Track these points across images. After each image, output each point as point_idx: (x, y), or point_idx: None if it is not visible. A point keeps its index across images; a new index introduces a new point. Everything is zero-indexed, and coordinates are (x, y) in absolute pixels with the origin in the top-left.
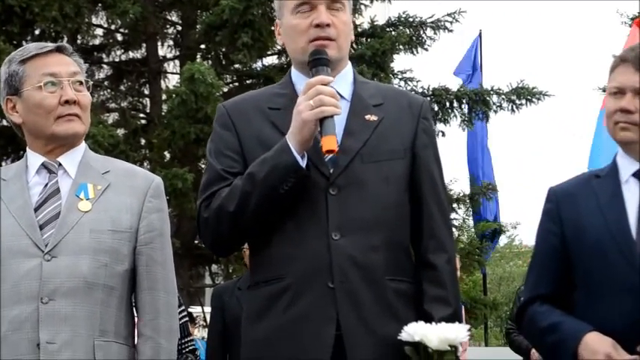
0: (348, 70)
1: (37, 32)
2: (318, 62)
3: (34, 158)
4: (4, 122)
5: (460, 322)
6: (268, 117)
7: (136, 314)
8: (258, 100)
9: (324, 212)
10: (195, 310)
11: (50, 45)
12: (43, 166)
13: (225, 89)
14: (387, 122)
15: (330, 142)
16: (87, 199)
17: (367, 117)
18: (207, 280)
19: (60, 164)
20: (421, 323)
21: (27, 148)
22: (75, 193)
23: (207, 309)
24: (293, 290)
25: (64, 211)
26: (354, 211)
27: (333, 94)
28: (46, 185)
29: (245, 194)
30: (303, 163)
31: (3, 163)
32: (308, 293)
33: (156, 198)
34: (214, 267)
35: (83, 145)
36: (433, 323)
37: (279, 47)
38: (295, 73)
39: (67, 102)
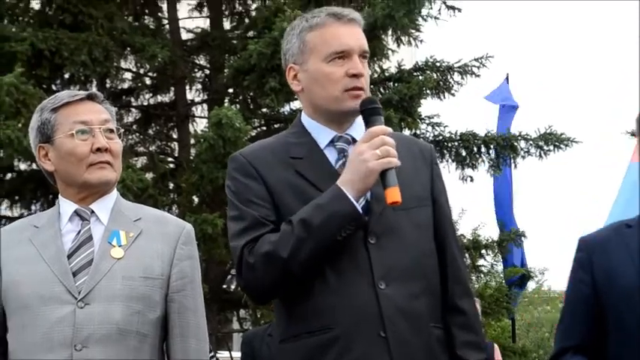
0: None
1: (66, 76)
2: (374, 111)
3: (66, 205)
4: (34, 166)
5: None
6: (293, 166)
7: None
8: (275, 148)
9: (366, 261)
10: (223, 355)
11: (81, 93)
12: (76, 213)
13: (253, 133)
14: (406, 169)
15: (395, 194)
16: (119, 246)
17: None
18: (235, 325)
19: (92, 211)
20: None
21: (59, 196)
22: (107, 240)
23: (235, 354)
24: (343, 340)
25: (97, 258)
26: (394, 260)
27: (394, 145)
28: (79, 232)
29: (299, 240)
30: (361, 211)
31: (32, 207)
32: (359, 343)
33: (187, 245)
34: (242, 312)
35: (115, 193)
36: None
37: None
38: (310, 122)
39: (98, 150)
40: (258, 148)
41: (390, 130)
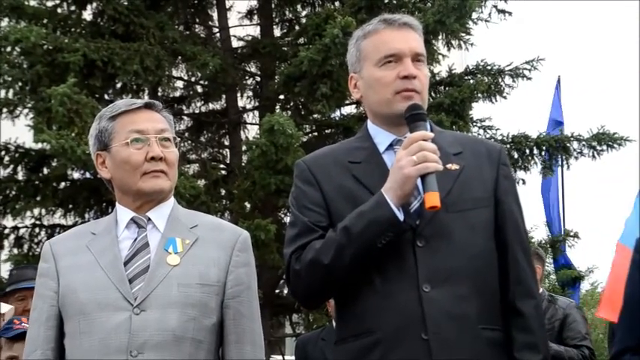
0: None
1: (118, 86)
2: (416, 117)
3: (123, 213)
4: (87, 175)
5: None
6: (350, 170)
7: None
8: (338, 154)
9: (412, 264)
10: (276, 359)
11: (139, 102)
12: (133, 220)
13: (305, 139)
14: (468, 170)
15: (433, 199)
16: (175, 253)
17: (448, 166)
18: (288, 330)
19: (149, 219)
20: None
21: (116, 203)
22: (164, 247)
23: (288, 358)
24: (385, 344)
25: (153, 265)
26: (442, 262)
27: (434, 150)
28: (136, 239)
29: (340, 247)
30: (401, 218)
31: (86, 215)
32: (401, 346)
33: (243, 252)
34: (295, 316)
35: (172, 200)
36: None
37: None
38: (372, 127)
39: (152, 158)
40: (321, 154)
41: (431, 135)
